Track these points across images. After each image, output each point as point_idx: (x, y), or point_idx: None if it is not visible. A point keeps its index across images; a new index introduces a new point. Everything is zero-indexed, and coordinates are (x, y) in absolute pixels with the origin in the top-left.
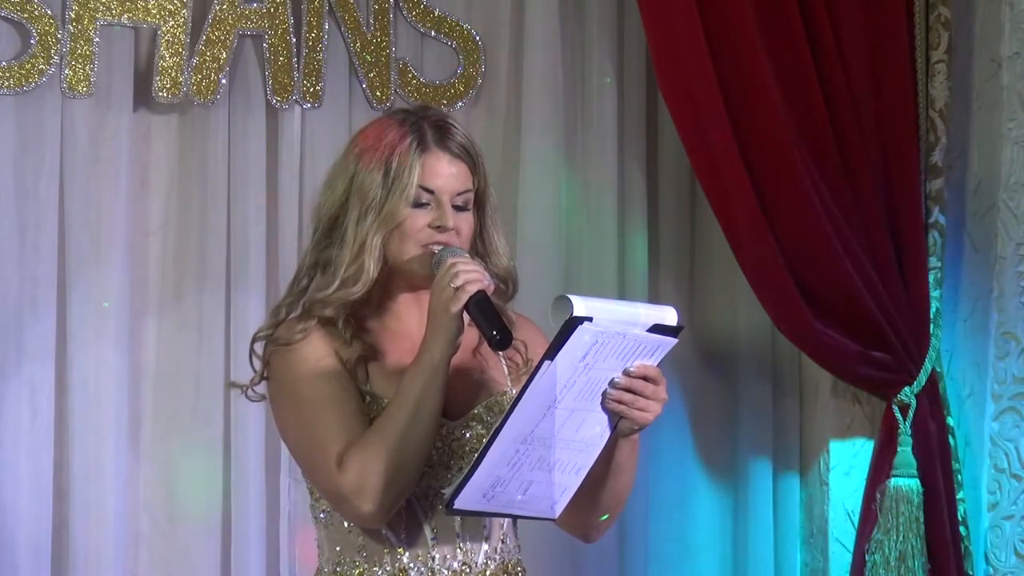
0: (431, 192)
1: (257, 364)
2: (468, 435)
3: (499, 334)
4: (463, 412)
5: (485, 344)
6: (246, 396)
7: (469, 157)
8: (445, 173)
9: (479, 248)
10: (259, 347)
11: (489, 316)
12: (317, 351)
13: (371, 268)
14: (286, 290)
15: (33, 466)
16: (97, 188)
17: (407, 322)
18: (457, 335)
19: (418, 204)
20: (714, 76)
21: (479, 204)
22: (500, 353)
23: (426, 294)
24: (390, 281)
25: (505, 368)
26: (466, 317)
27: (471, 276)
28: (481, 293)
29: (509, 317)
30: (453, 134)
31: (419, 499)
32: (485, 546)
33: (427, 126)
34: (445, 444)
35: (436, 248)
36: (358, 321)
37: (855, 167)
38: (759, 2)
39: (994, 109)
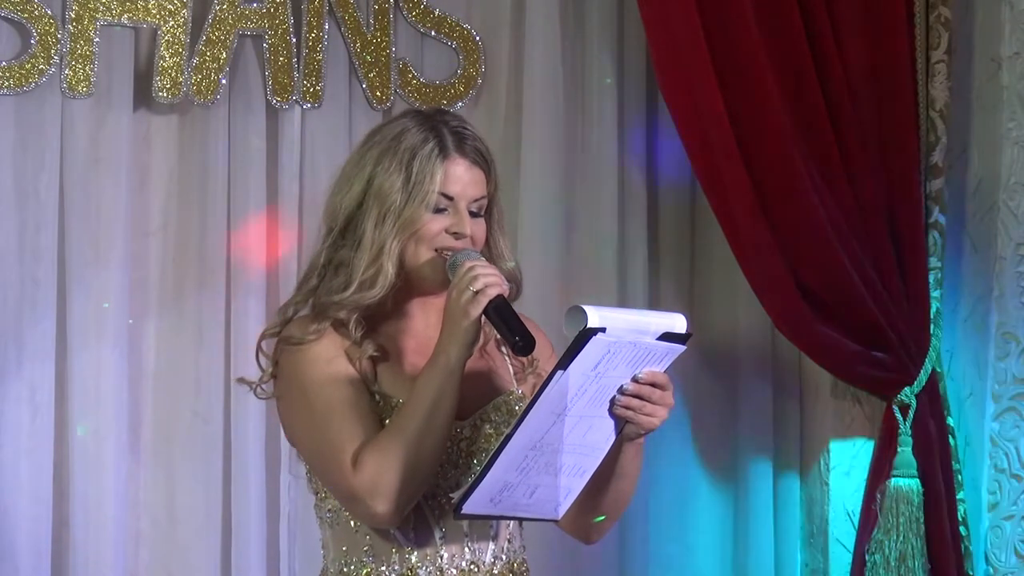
0: (450, 199)
1: (263, 362)
2: (476, 435)
3: (522, 340)
4: (471, 412)
5: (491, 344)
6: (255, 394)
7: (485, 163)
8: (465, 180)
9: (484, 251)
10: (266, 345)
11: (510, 321)
12: (327, 351)
13: (390, 272)
14: (295, 288)
15: (33, 466)
16: (97, 188)
17: (415, 323)
18: (475, 338)
19: (437, 209)
20: (714, 76)
21: (488, 208)
22: (505, 353)
23: (435, 297)
24: (400, 283)
25: (510, 367)
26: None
27: (490, 280)
28: (500, 298)
29: None
30: (471, 140)
31: (427, 499)
32: (492, 545)
33: (447, 131)
34: (454, 444)
35: (448, 253)
36: (367, 322)
37: (855, 167)
38: (759, 2)
39: (994, 109)
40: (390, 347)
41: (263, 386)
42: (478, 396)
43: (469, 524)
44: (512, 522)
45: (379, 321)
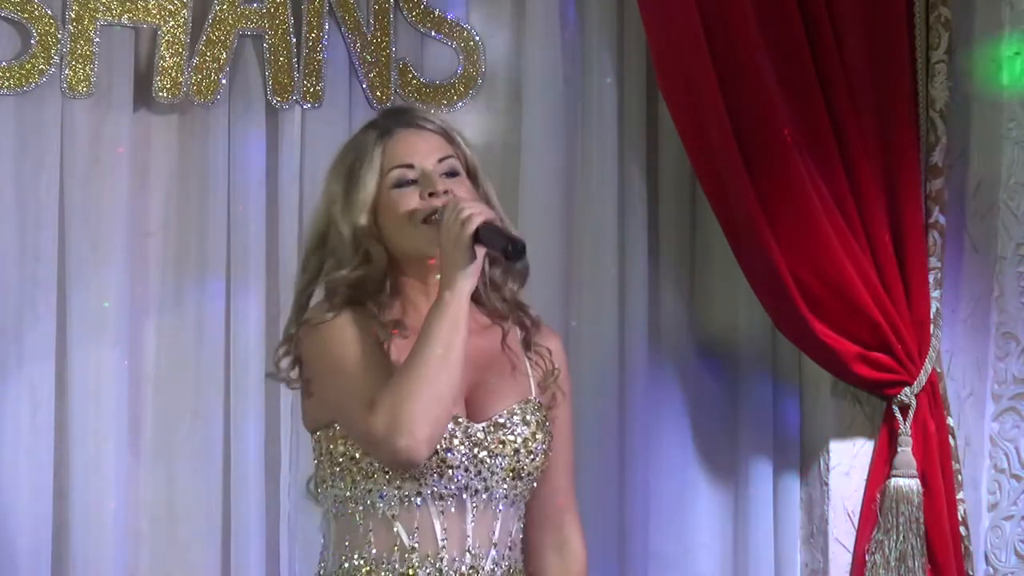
0: (411, 166)
1: (285, 361)
2: (489, 439)
3: (513, 245)
4: (487, 415)
5: (511, 337)
6: (287, 385)
7: (441, 129)
8: (415, 143)
9: None
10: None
11: (502, 232)
12: (349, 324)
13: (374, 249)
14: (296, 291)
15: (33, 466)
16: (97, 188)
17: (416, 316)
18: (472, 265)
19: (402, 183)
20: (714, 76)
21: (470, 175)
22: (527, 356)
23: (435, 284)
24: (400, 272)
25: (529, 370)
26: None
27: (476, 208)
28: (488, 222)
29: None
30: (415, 113)
31: (434, 500)
32: (493, 552)
33: (388, 116)
34: (467, 447)
35: (435, 218)
36: (378, 308)
37: (855, 167)
38: (759, 2)
39: (994, 109)
40: (400, 330)
41: (290, 374)
42: (496, 400)
43: (473, 530)
44: (513, 529)
45: (386, 310)
